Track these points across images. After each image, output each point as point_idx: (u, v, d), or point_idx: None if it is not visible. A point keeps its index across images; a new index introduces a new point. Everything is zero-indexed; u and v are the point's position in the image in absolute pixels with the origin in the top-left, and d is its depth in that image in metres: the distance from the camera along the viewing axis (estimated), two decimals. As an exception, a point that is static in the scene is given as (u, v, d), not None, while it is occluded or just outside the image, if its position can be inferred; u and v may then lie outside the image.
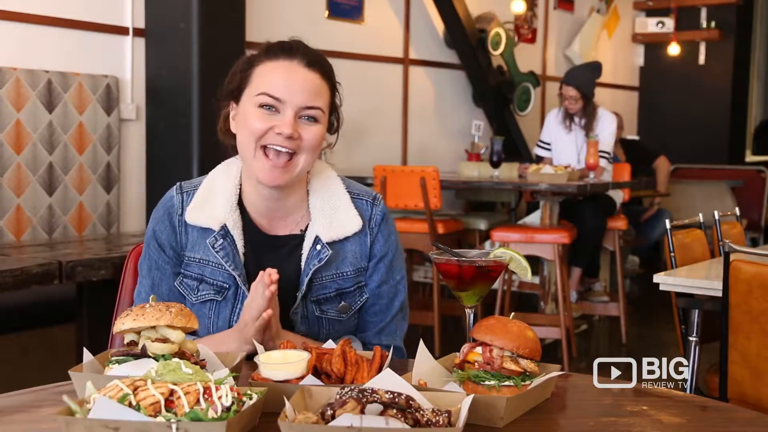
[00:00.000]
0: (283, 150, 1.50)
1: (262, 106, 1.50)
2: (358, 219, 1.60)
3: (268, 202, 1.59)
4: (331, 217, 1.60)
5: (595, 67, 5.21)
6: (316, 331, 1.59)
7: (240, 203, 1.61)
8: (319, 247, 1.57)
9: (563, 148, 5.18)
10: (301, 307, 1.58)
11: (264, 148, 1.51)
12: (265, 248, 1.60)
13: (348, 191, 1.64)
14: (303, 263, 1.59)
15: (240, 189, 1.61)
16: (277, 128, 1.49)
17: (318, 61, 1.54)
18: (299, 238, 1.61)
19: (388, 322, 1.65)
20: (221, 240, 1.55)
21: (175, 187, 1.63)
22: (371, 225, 1.63)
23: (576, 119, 5.12)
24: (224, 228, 1.56)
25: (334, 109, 1.60)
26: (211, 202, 1.58)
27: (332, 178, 1.65)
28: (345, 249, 1.60)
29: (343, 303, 1.61)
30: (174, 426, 0.97)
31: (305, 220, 1.62)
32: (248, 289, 1.55)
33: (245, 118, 1.52)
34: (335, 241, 1.58)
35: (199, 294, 1.58)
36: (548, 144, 5.29)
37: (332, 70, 1.59)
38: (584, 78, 5.06)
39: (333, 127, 1.61)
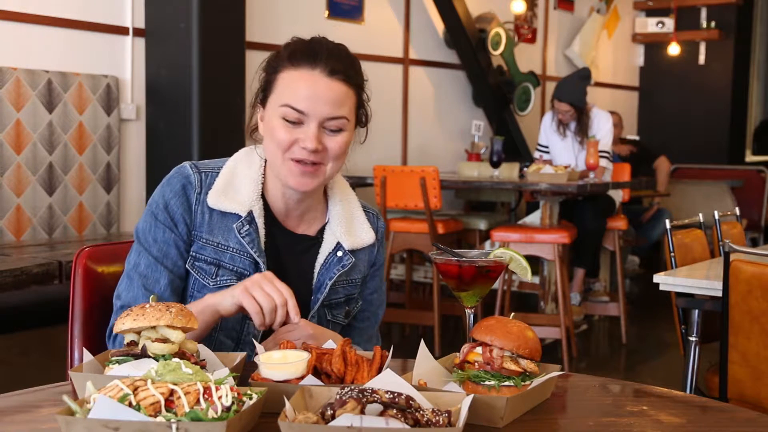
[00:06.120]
0: (309, 161, 1.51)
1: (285, 117, 1.50)
2: (372, 233, 1.66)
3: (290, 201, 1.61)
4: (349, 226, 1.63)
5: (584, 76, 5.16)
6: None
7: (262, 194, 1.62)
8: (340, 253, 1.61)
9: (560, 153, 5.18)
10: (316, 311, 1.61)
11: (291, 158, 1.52)
12: (283, 243, 1.62)
13: (360, 203, 1.69)
14: (318, 266, 1.61)
15: (263, 180, 1.62)
16: (301, 142, 1.49)
17: (341, 69, 1.50)
18: (314, 240, 1.63)
19: (375, 330, 1.71)
20: (247, 226, 1.56)
21: (188, 164, 1.60)
22: (378, 236, 1.69)
23: (571, 125, 5.12)
24: (250, 214, 1.57)
25: (360, 105, 1.58)
26: (235, 187, 1.58)
27: (346, 186, 1.69)
28: (358, 258, 1.64)
29: (347, 308, 1.65)
30: (174, 426, 0.97)
31: (319, 221, 1.65)
32: None
33: (270, 128, 1.52)
34: (354, 249, 1.63)
35: (218, 278, 1.57)
36: (546, 147, 5.29)
37: (357, 69, 1.55)
38: (576, 92, 5.01)
39: (362, 122, 1.60)
